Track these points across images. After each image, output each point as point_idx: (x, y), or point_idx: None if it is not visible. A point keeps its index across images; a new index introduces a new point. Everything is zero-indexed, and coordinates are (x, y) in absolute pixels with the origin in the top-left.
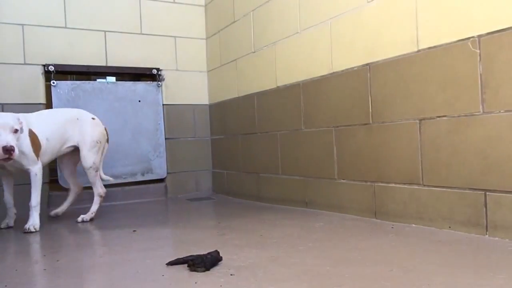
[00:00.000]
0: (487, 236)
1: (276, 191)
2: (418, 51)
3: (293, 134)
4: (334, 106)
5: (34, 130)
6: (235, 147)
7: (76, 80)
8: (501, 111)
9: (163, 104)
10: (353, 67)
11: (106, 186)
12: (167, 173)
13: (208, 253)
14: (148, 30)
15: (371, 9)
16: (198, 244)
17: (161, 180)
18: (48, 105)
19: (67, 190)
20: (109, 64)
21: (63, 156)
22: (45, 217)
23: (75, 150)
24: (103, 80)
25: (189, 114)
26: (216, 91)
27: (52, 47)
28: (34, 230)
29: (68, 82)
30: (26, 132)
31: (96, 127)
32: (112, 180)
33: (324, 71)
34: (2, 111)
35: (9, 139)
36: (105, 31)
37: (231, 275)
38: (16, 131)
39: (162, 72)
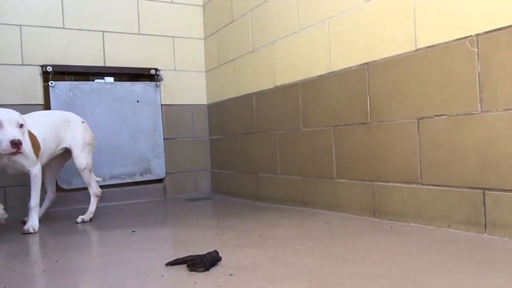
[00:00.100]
0: (486, 234)
1: (275, 190)
2: (416, 50)
3: (292, 134)
4: (333, 106)
5: (32, 131)
6: (234, 147)
7: (74, 80)
8: (499, 110)
9: (161, 104)
10: (351, 67)
11: (104, 186)
12: (166, 173)
13: (208, 253)
14: (146, 30)
15: (369, 8)
16: (197, 244)
17: (160, 181)
18: (46, 105)
19: (66, 191)
20: (107, 65)
21: (51, 160)
22: (44, 218)
23: (62, 154)
24: (101, 81)
25: (187, 114)
26: (214, 91)
27: (50, 47)
28: (33, 231)
29: (66, 82)
30: (26, 133)
31: (86, 130)
32: (101, 181)
33: (322, 71)
34: None
35: (15, 133)
36: (103, 32)
37: (230, 275)
38: (21, 125)
39: (160, 72)
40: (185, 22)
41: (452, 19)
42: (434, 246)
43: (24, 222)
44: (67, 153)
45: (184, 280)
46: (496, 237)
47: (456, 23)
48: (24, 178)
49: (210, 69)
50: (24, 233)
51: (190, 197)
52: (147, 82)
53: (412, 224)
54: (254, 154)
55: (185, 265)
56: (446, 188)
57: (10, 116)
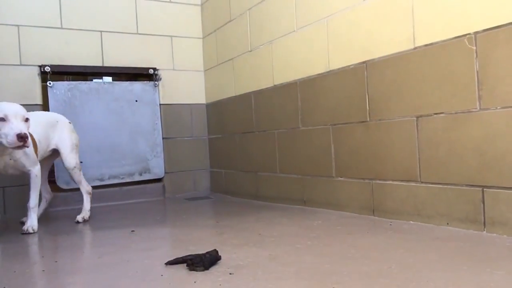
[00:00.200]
0: (485, 232)
1: (274, 189)
2: (415, 48)
3: (291, 133)
4: (331, 104)
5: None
6: (233, 146)
7: (73, 80)
8: (498, 107)
9: (160, 104)
10: (350, 65)
11: (104, 186)
12: (165, 172)
13: (207, 252)
14: (144, 29)
15: (367, 7)
16: (196, 244)
17: (159, 180)
18: (45, 106)
19: (65, 191)
20: (106, 64)
21: (42, 161)
22: (43, 218)
23: (50, 155)
24: (100, 81)
25: (186, 113)
26: (213, 91)
27: (48, 47)
28: (33, 231)
29: (65, 82)
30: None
31: (73, 131)
32: None
33: (321, 70)
34: None
35: (21, 127)
36: (101, 31)
37: (230, 274)
38: (27, 120)
39: (159, 72)
40: (183, 21)
41: (450, 17)
42: (433, 244)
43: (23, 223)
44: (54, 153)
45: (184, 279)
46: (495, 234)
47: (454, 21)
48: (23, 179)
49: (209, 68)
50: (23, 233)
51: (189, 197)
52: (145, 81)
53: (411, 222)
54: (253, 153)
55: (185, 264)
56: (445, 186)
57: (16, 109)
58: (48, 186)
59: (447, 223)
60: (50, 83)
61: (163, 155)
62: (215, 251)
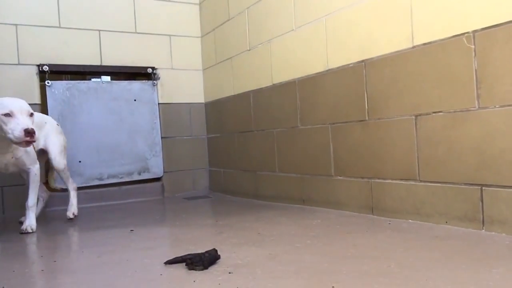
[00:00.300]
0: (483, 230)
1: (273, 188)
2: (413, 47)
3: (290, 132)
4: (330, 103)
5: None
6: (232, 145)
7: (71, 80)
8: (496, 106)
9: (158, 103)
10: (348, 64)
11: (103, 186)
12: (164, 172)
13: (206, 252)
14: (143, 29)
15: (366, 5)
16: (196, 243)
17: (158, 179)
18: (43, 105)
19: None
20: (104, 64)
21: None
22: (42, 217)
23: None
24: (98, 80)
25: (185, 112)
26: (211, 89)
27: (46, 47)
28: (31, 231)
29: (63, 82)
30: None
31: (61, 133)
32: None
33: (319, 68)
34: None
35: (28, 122)
36: (99, 30)
37: (229, 273)
38: (31, 114)
39: (157, 71)
40: (181, 20)
41: (449, 16)
42: (432, 243)
43: (21, 223)
44: (41, 154)
45: (183, 278)
46: (493, 233)
47: (453, 20)
48: (22, 178)
49: (207, 67)
50: (22, 233)
51: (188, 196)
52: (144, 80)
53: (410, 220)
54: (252, 152)
55: (184, 263)
56: (444, 185)
57: (21, 105)
58: (42, 185)
59: (446, 222)
60: (48, 83)
61: (162, 154)
62: (214, 251)
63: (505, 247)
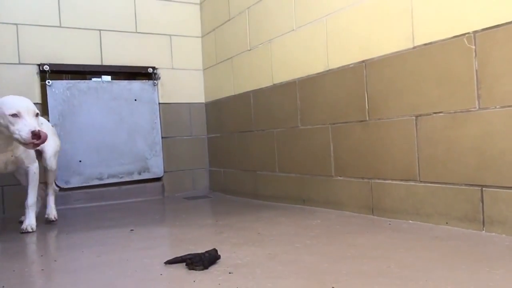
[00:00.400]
0: (484, 231)
1: (273, 188)
2: (414, 47)
3: (290, 132)
4: (331, 103)
5: None
6: (232, 145)
7: (71, 79)
8: (497, 106)
9: (159, 103)
10: (349, 64)
11: (103, 185)
12: (164, 171)
13: (206, 252)
14: (143, 28)
15: (366, 5)
16: (196, 243)
17: (158, 179)
18: (44, 104)
19: (63, 190)
20: (105, 63)
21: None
22: (41, 217)
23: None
24: (99, 79)
25: (185, 112)
26: (212, 89)
27: (47, 46)
28: (31, 230)
29: (64, 81)
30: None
31: (55, 134)
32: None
33: (320, 68)
34: None
35: (34, 124)
36: (100, 30)
37: (229, 273)
38: (37, 115)
39: (158, 71)
40: (182, 20)
41: (450, 16)
42: (432, 243)
43: (21, 222)
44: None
45: (183, 278)
46: (494, 234)
47: (453, 20)
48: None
49: (208, 67)
50: (22, 233)
51: (188, 196)
52: (144, 80)
53: (410, 221)
54: (252, 152)
55: (184, 263)
56: (444, 185)
57: (28, 105)
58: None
59: (446, 222)
60: (49, 82)
61: (162, 154)
62: (215, 250)
63: (505, 247)
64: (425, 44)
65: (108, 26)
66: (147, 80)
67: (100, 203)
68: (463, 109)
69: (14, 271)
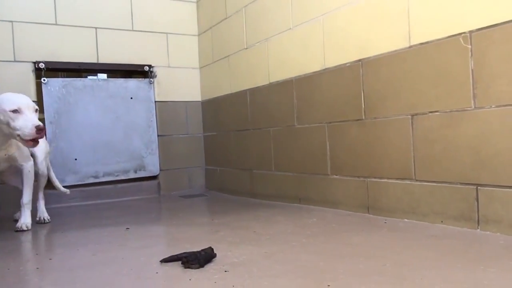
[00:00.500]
0: (478, 230)
1: (270, 187)
2: (410, 47)
3: (286, 130)
4: (327, 102)
5: None
6: (228, 143)
7: (67, 77)
8: (492, 106)
9: (155, 101)
10: (345, 63)
11: (98, 184)
12: (160, 170)
13: (202, 250)
14: (140, 26)
15: (363, 4)
16: (192, 241)
17: (154, 177)
18: (39, 102)
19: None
20: (101, 61)
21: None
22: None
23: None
24: (94, 77)
25: (181, 110)
26: (208, 88)
27: (43, 44)
28: (26, 229)
29: (59, 79)
30: None
31: (45, 139)
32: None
33: (316, 67)
34: None
35: (36, 119)
36: (96, 28)
37: (225, 271)
38: (36, 110)
39: (154, 69)
40: (178, 18)
41: (446, 16)
42: (427, 242)
43: (16, 220)
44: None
45: (179, 277)
46: (489, 232)
47: (449, 19)
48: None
49: (204, 66)
50: (17, 231)
51: (184, 194)
52: (140, 78)
53: (406, 220)
54: (249, 151)
55: (180, 262)
56: (440, 184)
57: (28, 101)
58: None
59: (442, 221)
60: (44, 80)
61: (158, 152)
62: (210, 249)
63: (500, 246)
64: (422, 44)
65: (104, 24)
66: (143, 78)
67: (96, 201)
68: (459, 109)
69: (8, 269)
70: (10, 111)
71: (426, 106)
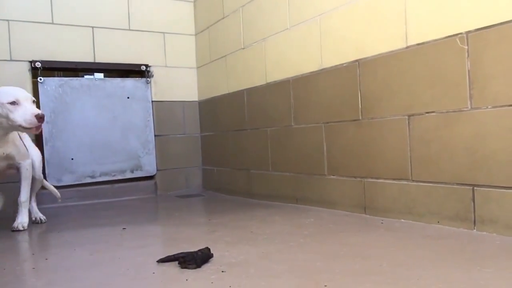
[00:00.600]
0: (475, 230)
1: (267, 187)
2: (407, 47)
3: (283, 131)
4: (324, 102)
5: None
6: (225, 143)
7: (64, 76)
8: (489, 107)
9: (152, 101)
10: (342, 63)
11: (95, 183)
12: (157, 170)
13: (199, 250)
14: (137, 26)
15: (360, 5)
16: (188, 241)
17: (151, 177)
18: (36, 102)
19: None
20: (97, 61)
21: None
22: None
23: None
24: (91, 77)
25: (178, 110)
26: (205, 88)
27: (39, 43)
28: (23, 229)
29: (56, 78)
30: None
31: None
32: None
33: (313, 67)
34: None
35: (35, 108)
36: (92, 27)
37: (222, 271)
38: (34, 101)
39: (151, 69)
40: (176, 18)
41: (443, 17)
42: (424, 242)
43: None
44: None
45: (176, 277)
46: (485, 233)
47: (446, 20)
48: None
49: (201, 65)
50: (13, 231)
51: (181, 194)
52: (137, 78)
53: (403, 220)
54: (246, 151)
55: (177, 262)
56: (436, 185)
57: (25, 93)
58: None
59: (438, 221)
60: (41, 79)
61: (155, 152)
62: (207, 249)
63: (496, 246)
64: (418, 44)
65: (101, 23)
66: (140, 78)
67: (93, 201)
68: (455, 109)
69: (4, 269)
70: (8, 103)
71: (422, 106)
